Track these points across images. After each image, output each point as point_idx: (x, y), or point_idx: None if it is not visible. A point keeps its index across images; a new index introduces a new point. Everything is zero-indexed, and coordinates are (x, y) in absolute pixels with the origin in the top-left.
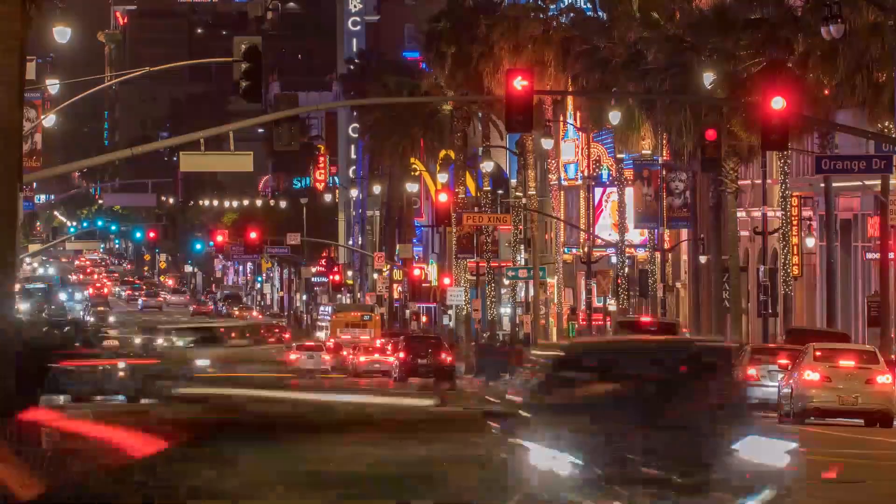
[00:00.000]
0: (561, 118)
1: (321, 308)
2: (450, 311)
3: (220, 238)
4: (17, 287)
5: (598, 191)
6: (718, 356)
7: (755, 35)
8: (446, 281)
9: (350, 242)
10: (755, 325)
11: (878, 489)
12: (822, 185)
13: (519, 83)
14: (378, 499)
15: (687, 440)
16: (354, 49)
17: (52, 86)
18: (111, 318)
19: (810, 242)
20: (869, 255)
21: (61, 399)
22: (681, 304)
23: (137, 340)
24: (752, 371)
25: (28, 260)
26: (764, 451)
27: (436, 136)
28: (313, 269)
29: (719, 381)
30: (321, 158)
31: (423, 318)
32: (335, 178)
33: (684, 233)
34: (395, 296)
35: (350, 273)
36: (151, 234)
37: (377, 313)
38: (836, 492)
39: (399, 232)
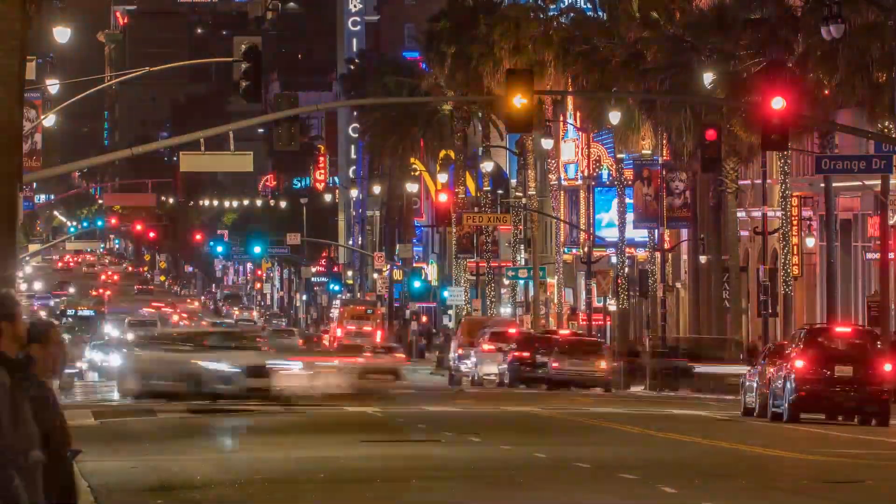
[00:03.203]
0: (561, 118)
1: (334, 301)
2: (450, 311)
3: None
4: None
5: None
6: None
7: (755, 35)
8: None
9: (350, 242)
10: (755, 325)
11: (880, 489)
12: (822, 185)
13: (519, 83)
14: None
15: None
16: (354, 49)
17: (52, 86)
18: None
19: (810, 242)
20: (869, 255)
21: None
22: (681, 304)
23: None
24: None
25: (27, 259)
26: None
27: (436, 136)
28: (313, 269)
29: None
30: (321, 158)
31: (423, 318)
32: (335, 178)
33: (684, 233)
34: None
35: (350, 273)
36: (151, 234)
37: (380, 307)
38: (837, 492)
39: (399, 232)
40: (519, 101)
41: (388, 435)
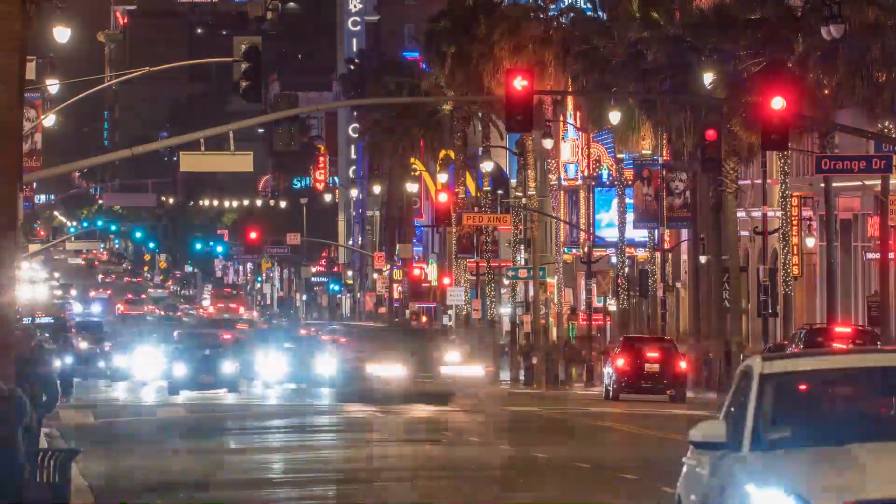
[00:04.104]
0: (561, 118)
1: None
2: (450, 311)
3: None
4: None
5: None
6: None
7: (755, 35)
8: (446, 281)
9: (350, 242)
10: (755, 325)
11: None
12: (822, 185)
13: (519, 83)
14: None
15: None
16: (354, 49)
17: (52, 86)
18: None
19: (810, 242)
20: (869, 255)
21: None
22: (681, 304)
23: None
24: None
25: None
26: None
27: (436, 136)
28: (313, 269)
29: None
30: (321, 158)
31: (423, 318)
32: (335, 178)
33: (684, 233)
34: (396, 296)
35: (350, 273)
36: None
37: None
38: None
39: (399, 232)
40: (519, 101)
41: None
